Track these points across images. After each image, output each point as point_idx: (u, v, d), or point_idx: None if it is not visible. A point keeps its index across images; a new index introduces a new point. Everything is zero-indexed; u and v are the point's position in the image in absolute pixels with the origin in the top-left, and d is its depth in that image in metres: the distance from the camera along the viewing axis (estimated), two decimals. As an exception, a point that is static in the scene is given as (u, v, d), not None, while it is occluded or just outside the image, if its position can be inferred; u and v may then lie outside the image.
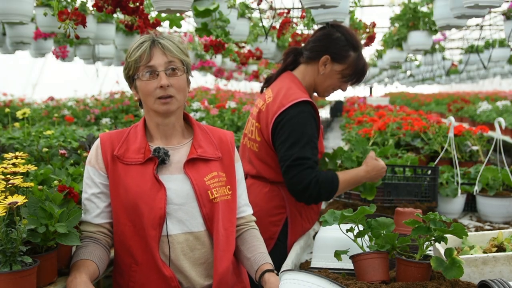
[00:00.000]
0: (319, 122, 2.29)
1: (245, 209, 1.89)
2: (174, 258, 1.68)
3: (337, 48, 2.30)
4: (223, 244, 1.72)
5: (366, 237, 1.60)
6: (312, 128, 2.22)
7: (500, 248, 1.68)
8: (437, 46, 6.88)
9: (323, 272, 1.64)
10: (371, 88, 26.27)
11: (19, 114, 2.79)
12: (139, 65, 1.68)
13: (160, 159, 1.69)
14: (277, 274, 1.67)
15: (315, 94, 2.44)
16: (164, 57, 1.68)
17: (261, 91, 2.55)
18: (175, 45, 1.71)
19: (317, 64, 2.33)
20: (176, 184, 1.70)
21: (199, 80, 14.00)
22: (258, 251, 1.77)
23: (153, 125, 1.76)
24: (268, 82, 2.50)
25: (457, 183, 2.76)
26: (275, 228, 2.33)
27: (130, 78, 1.73)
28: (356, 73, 2.35)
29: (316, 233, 2.32)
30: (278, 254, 2.24)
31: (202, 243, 1.71)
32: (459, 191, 2.71)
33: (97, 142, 1.76)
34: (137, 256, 1.67)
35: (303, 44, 2.52)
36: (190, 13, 3.12)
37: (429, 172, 2.66)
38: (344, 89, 2.42)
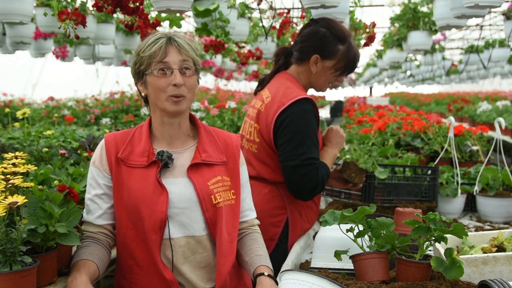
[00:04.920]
0: (318, 118, 2.30)
1: (248, 213, 1.88)
2: (176, 261, 1.68)
3: (325, 45, 2.30)
4: (226, 249, 1.72)
5: (366, 237, 1.60)
6: (315, 127, 2.24)
7: (500, 248, 1.68)
8: (437, 46, 6.88)
9: (323, 272, 1.64)
10: (371, 88, 26.28)
11: (19, 114, 2.79)
12: (152, 61, 1.66)
13: (163, 162, 1.68)
14: (274, 276, 1.67)
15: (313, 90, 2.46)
16: (179, 55, 1.67)
17: (255, 93, 2.54)
18: (189, 45, 1.71)
19: (308, 64, 2.34)
20: (179, 188, 1.69)
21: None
22: (255, 254, 1.76)
23: (159, 124, 1.75)
24: (261, 84, 2.50)
25: (457, 183, 2.76)
26: (275, 229, 2.33)
27: (140, 73, 1.70)
28: (349, 64, 2.35)
29: (316, 233, 2.32)
30: (280, 255, 2.24)
31: (204, 247, 1.71)
32: (459, 191, 2.71)
33: (102, 143, 1.75)
34: (138, 259, 1.67)
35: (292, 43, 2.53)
36: (190, 13, 3.12)
37: (429, 172, 2.66)
38: (340, 81, 2.43)
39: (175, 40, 1.68)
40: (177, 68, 1.66)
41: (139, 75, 1.72)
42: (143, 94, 1.76)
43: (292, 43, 2.50)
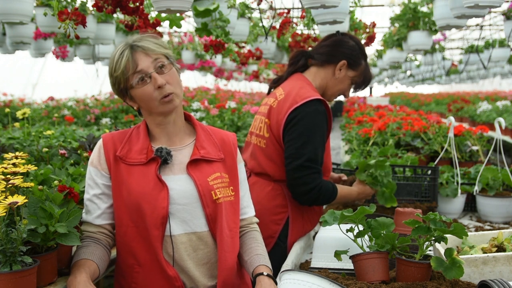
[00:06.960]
0: (330, 121, 2.33)
1: (247, 211, 1.88)
2: (178, 258, 1.68)
3: (354, 55, 2.40)
4: (228, 245, 1.72)
5: (366, 237, 1.60)
6: (324, 131, 2.27)
7: (500, 248, 1.68)
8: (437, 46, 6.88)
9: (323, 272, 1.64)
10: (371, 88, 26.27)
11: (19, 114, 2.79)
12: (127, 75, 1.66)
13: (163, 158, 1.69)
14: (273, 276, 1.68)
15: None
16: (149, 57, 1.67)
17: (269, 92, 2.57)
18: (153, 43, 1.70)
19: (332, 68, 2.40)
20: (179, 184, 1.69)
21: (199, 80, 14.00)
22: (254, 253, 1.77)
23: (155, 126, 1.76)
24: (277, 82, 2.54)
25: (457, 183, 2.76)
26: (276, 227, 2.34)
27: (123, 91, 1.71)
28: (364, 81, 2.46)
29: (316, 233, 2.32)
30: (278, 254, 2.25)
31: (205, 243, 1.71)
32: (459, 191, 2.71)
33: (100, 143, 1.76)
34: (139, 257, 1.67)
35: (310, 48, 2.55)
36: (190, 13, 3.12)
37: (429, 172, 2.66)
38: (347, 96, 2.50)
39: (138, 45, 1.68)
40: (153, 70, 1.66)
41: (123, 93, 1.73)
42: (135, 108, 1.77)
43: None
